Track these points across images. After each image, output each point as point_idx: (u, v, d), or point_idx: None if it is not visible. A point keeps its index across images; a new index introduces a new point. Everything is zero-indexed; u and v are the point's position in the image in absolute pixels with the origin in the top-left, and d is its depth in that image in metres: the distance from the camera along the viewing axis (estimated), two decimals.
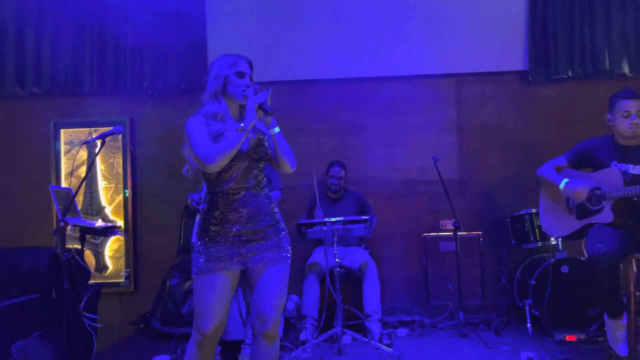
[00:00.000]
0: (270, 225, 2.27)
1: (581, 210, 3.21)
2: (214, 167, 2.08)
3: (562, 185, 3.25)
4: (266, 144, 2.27)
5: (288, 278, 2.33)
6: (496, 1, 4.70)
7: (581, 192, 3.15)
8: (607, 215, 3.08)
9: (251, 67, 2.30)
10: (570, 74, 4.55)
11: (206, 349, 2.27)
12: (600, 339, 3.56)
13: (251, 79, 2.28)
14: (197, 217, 2.86)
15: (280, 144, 2.25)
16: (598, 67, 4.53)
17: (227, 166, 2.17)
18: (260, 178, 2.29)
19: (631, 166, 3.11)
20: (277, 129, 2.24)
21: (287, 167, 2.29)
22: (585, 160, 3.30)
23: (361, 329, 3.98)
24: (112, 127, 3.44)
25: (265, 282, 2.25)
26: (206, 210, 2.27)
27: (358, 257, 4.14)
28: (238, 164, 2.19)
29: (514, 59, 4.70)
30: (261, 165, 2.29)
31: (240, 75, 2.25)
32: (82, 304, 3.48)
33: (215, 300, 2.22)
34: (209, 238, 2.22)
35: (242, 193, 2.22)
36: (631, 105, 3.01)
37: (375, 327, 3.89)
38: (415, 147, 4.75)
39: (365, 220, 3.75)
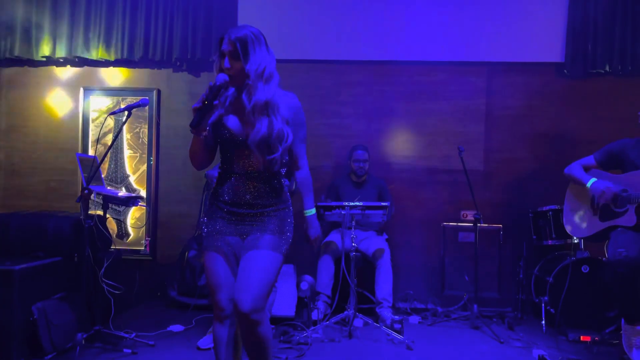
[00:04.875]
0: (265, 209, 2.15)
1: (605, 212, 3.24)
2: (196, 167, 2.14)
3: (589, 184, 3.28)
4: (266, 133, 2.05)
5: (275, 265, 2.14)
6: None
7: (607, 192, 3.18)
8: (630, 218, 3.09)
9: (233, 44, 1.98)
10: (608, 69, 4.49)
11: (229, 323, 2.18)
12: (615, 342, 3.56)
13: (232, 56, 1.98)
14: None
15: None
16: (638, 65, 4.48)
17: (223, 150, 2.14)
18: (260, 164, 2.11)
19: None
20: (312, 211, 2.30)
21: None
22: (615, 161, 3.30)
23: (373, 314, 4.02)
24: (139, 98, 3.51)
25: (244, 264, 2.11)
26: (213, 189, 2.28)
27: (373, 242, 4.20)
28: (231, 150, 2.12)
29: (550, 50, 4.65)
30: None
31: (220, 55, 2.01)
32: (103, 269, 3.57)
33: (222, 273, 2.15)
34: (209, 214, 2.20)
35: (241, 177, 2.13)
36: None
37: (386, 314, 3.94)
38: (441, 135, 4.75)
39: (384, 207, 3.77)
